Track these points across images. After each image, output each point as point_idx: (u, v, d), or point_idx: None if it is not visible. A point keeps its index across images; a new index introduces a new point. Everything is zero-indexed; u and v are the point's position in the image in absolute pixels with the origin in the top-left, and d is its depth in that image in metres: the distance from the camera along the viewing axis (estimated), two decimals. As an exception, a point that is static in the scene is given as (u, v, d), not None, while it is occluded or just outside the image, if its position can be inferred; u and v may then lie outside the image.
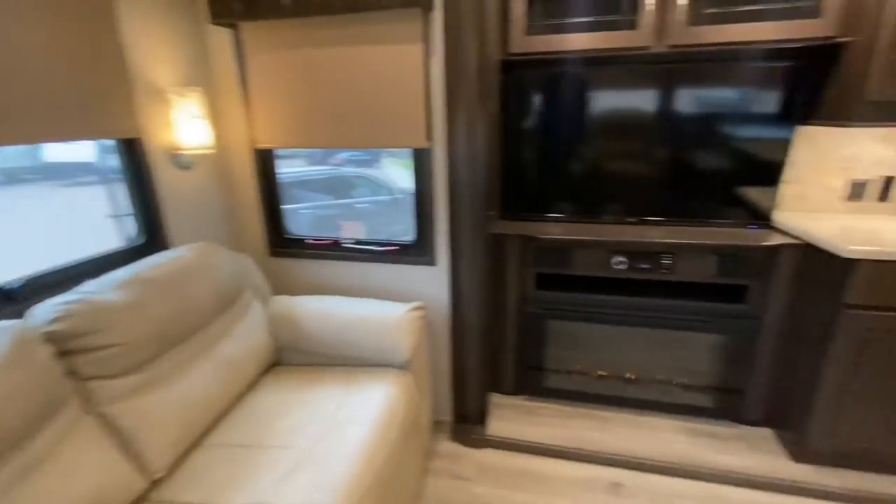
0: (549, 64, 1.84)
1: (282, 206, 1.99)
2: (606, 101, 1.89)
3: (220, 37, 1.72)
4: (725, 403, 1.90)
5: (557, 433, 1.90)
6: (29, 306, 1.13)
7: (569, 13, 1.70)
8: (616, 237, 1.80)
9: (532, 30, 1.71)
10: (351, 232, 3.82)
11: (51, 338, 1.07)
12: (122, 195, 1.57)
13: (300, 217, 3.85)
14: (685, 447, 1.81)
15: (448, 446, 1.93)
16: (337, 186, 4.14)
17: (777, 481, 1.63)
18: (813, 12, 1.55)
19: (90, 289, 1.19)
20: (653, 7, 1.58)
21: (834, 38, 1.54)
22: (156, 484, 1.17)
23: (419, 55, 1.55)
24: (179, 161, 1.64)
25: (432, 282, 1.83)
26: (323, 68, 1.65)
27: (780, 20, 1.56)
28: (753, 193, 1.87)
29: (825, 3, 1.53)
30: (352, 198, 4.10)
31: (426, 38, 1.54)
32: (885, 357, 1.47)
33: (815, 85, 1.69)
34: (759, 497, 1.61)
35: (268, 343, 1.64)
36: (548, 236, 1.84)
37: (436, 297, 1.85)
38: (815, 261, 1.60)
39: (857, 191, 1.84)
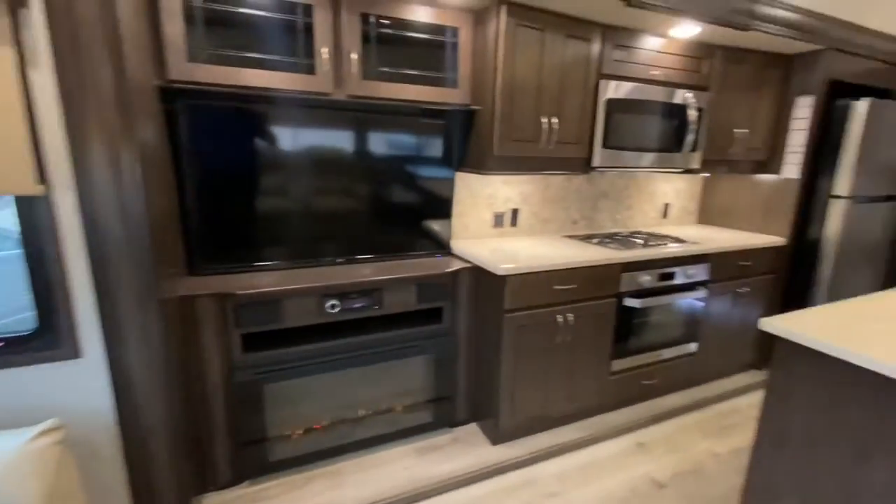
0: (234, 97, 1.63)
1: None
2: (302, 140, 1.84)
3: None
4: (441, 412, 2.12)
5: (290, 513, 1.67)
6: None
7: (242, 46, 1.55)
8: (328, 280, 1.74)
9: (196, 56, 1.47)
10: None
11: None
12: None
13: None
14: (413, 471, 1.90)
15: None
16: None
17: (483, 469, 1.91)
18: (454, 83, 1.93)
19: None
20: (327, 56, 1.61)
21: (469, 105, 1.98)
22: None
23: (9, 65, 1.06)
24: None
25: (78, 383, 1.27)
26: None
27: (434, 86, 1.88)
28: (436, 226, 2.19)
29: (461, 76, 1.95)
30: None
31: (18, 44, 1.07)
32: (533, 342, 1.96)
33: (463, 139, 2.13)
34: (471, 491, 1.84)
35: None
36: (249, 291, 1.61)
37: (87, 405, 1.29)
38: (482, 279, 1.99)
39: (498, 220, 2.42)
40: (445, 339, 2.04)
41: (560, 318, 1.98)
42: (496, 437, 2.06)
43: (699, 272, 2.34)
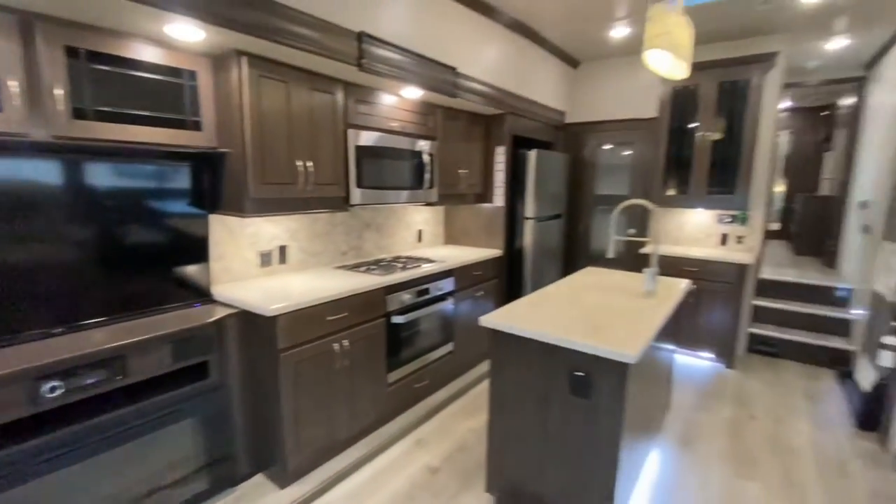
0: None
1: None
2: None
3: None
4: (219, 475, 1.95)
5: None
6: None
7: None
8: (40, 359, 1.41)
9: None
10: None
11: None
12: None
13: None
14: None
15: None
16: None
17: (276, 516, 1.87)
18: (197, 126, 1.87)
19: None
20: (17, 90, 1.35)
21: (216, 148, 1.94)
22: None
23: None
24: None
25: None
26: None
27: (173, 128, 1.78)
28: (191, 273, 2.03)
29: (205, 119, 1.89)
30: None
31: None
32: (313, 375, 2.03)
33: (216, 182, 2.05)
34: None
35: None
36: None
37: None
38: (252, 322, 1.95)
39: (265, 259, 2.40)
40: (215, 394, 1.91)
41: (336, 346, 2.12)
42: (284, 481, 2.03)
43: (447, 284, 2.87)
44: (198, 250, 2.06)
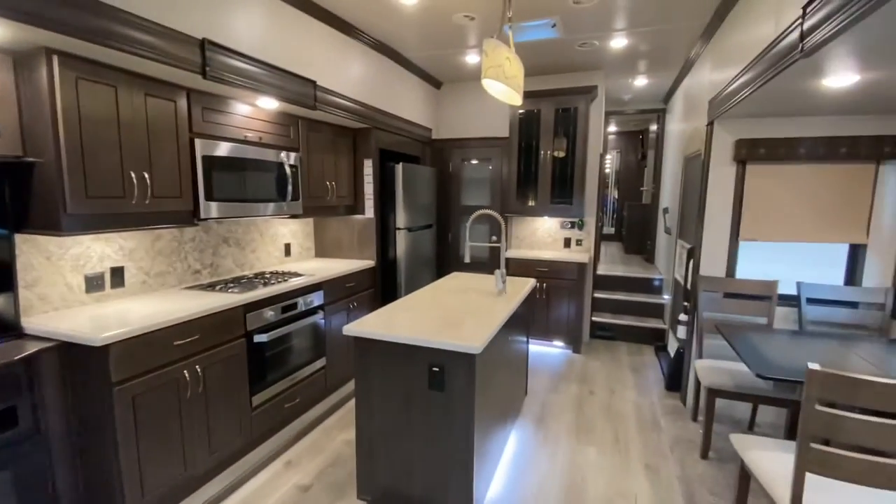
0: None
1: None
2: None
3: None
4: (35, 542, 1.65)
5: None
6: None
7: None
8: None
9: None
10: None
11: None
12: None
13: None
14: None
15: None
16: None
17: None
18: (-10, 130, 1.59)
19: None
20: None
21: (21, 157, 1.67)
22: None
23: None
24: None
25: None
26: None
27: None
28: (-13, 306, 1.70)
29: (4, 124, 1.62)
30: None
31: None
32: (158, 408, 1.84)
33: (21, 196, 1.76)
34: None
35: None
36: None
37: None
38: (77, 356, 1.71)
39: (95, 283, 2.11)
40: (27, 445, 1.62)
41: (187, 373, 1.95)
42: (127, 531, 1.80)
43: (316, 298, 2.83)
44: (3, 278, 1.73)
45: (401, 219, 3.71)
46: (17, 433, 1.60)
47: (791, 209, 2.71)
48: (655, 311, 4.55)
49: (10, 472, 1.58)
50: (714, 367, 2.55)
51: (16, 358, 1.57)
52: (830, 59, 1.61)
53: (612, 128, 7.95)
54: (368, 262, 3.46)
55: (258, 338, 2.35)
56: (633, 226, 6.91)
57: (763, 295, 2.72)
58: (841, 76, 1.81)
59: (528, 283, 2.84)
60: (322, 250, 3.71)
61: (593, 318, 4.48)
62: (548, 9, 2.84)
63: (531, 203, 4.20)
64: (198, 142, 2.20)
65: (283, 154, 2.74)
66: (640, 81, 4.60)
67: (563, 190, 4.08)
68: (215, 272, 2.76)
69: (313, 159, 3.07)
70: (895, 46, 1.46)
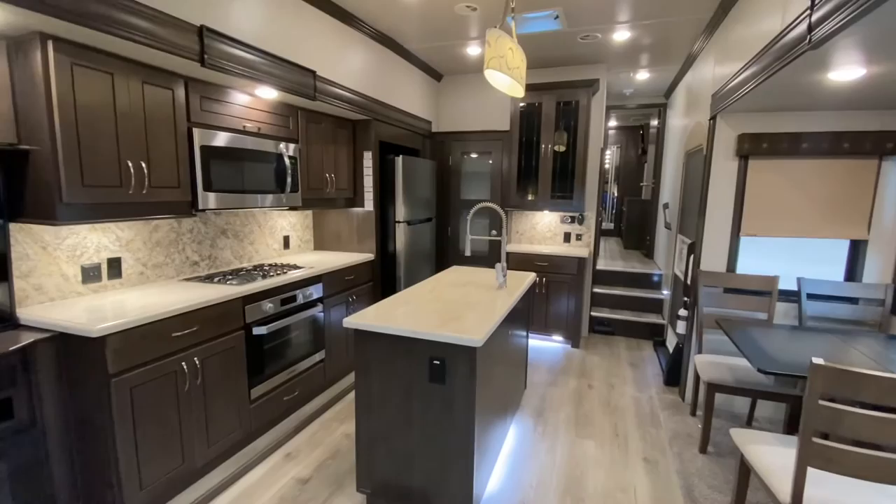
0: None
1: None
2: None
3: None
4: (32, 533, 1.64)
5: None
6: None
7: None
8: None
9: None
10: None
11: None
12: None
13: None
14: None
15: None
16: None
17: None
18: (-17, 116, 1.55)
19: None
20: None
21: (15, 144, 1.64)
22: None
23: None
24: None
25: None
26: None
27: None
28: (-18, 296, 1.67)
29: (-5, 109, 1.59)
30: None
31: None
32: (156, 399, 1.83)
33: (16, 184, 1.73)
34: None
35: None
36: None
37: None
38: (73, 347, 1.69)
39: (91, 273, 2.08)
40: (23, 436, 1.60)
41: (185, 365, 1.94)
42: (125, 522, 1.79)
43: (315, 291, 2.81)
44: (-7, 267, 1.71)
45: (400, 212, 3.68)
46: (13, 425, 1.58)
47: (793, 204, 2.70)
48: (654, 306, 4.55)
49: (6, 464, 1.56)
50: (714, 362, 2.55)
51: (11, 349, 1.55)
52: (838, 51, 1.59)
53: (613, 122, 7.92)
54: (368, 256, 3.44)
55: (257, 330, 2.33)
56: (632, 221, 6.90)
57: (763, 290, 2.72)
58: (847, 69, 1.79)
59: (529, 277, 2.83)
60: (321, 243, 3.68)
61: (592, 313, 4.48)
62: (550, 0, 2.81)
63: (531, 197, 4.18)
64: (196, 131, 2.17)
65: (282, 145, 2.71)
66: (642, 75, 4.57)
67: (563, 184, 4.06)
68: (213, 264, 2.74)
69: (312, 151, 3.04)
70: (904, 39, 1.44)
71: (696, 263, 2.94)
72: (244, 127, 2.48)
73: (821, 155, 2.61)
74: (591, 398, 3.09)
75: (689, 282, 3.16)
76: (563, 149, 4.04)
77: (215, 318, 2.09)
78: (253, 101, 2.54)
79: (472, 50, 3.78)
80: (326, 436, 2.56)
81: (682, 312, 3.20)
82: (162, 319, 1.84)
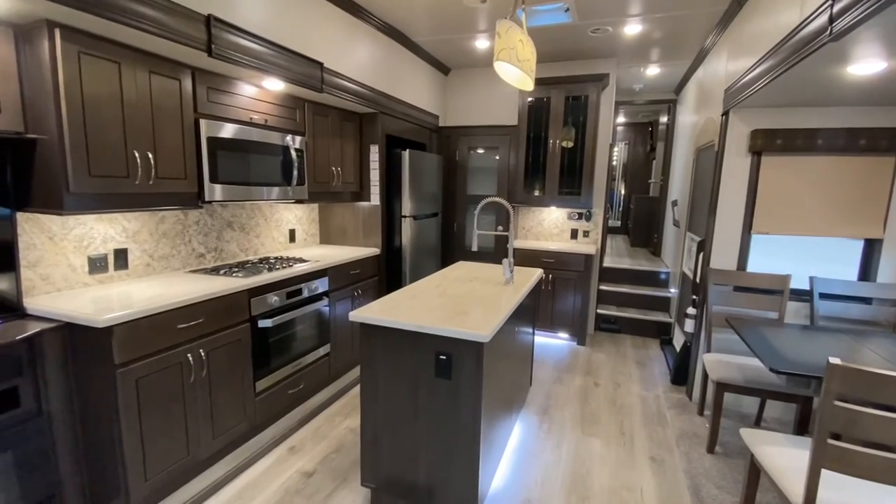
0: None
1: None
2: None
3: None
4: (38, 522, 1.65)
5: None
6: None
7: None
8: None
9: None
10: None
11: None
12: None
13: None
14: None
15: None
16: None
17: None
18: (-10, 104, 1.55)
19: None
20: None
21: (22, 133, 1.63)
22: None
23: None
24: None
25: None
26: None
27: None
28: (-11, 285, 1.67)
29: (4, 99, 1.58)
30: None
31: None
32: (161, 390, 1.82)
33: (23, 174, 1.72)
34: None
35: None
36: None
37: None
38: (79, 337, 1.69)
39: (98, 264, 2.08)
40: (29, 424, 1.61)
41: (190, 356, 1.93)
42: (130, 513, 1.79)
43: (321, 285, 2.80)
44: (3, 256, 1.70)
45: (406, 206, 3.66)
46: (19, 414, 1.58)
47: (806, 202, 2.65)
48: (661, 304, 4.51)
49: (12, 453, 1.57)
50: (723, 360, 2.52)
51: (17, 338, 1.55)
52: (859, 44, 1.54)
53: (621, 119, 7.84)
54: (374, 250, 3.42)
55: (262, 323, 2.32)
56: (639, 218, 6.84)
57: (775, 289, 2.67)
58: (868, 63, 1.74)
59: (536, 274, 2.80)
60: (327, 237, 3.67)
61: (599, 311, 4.44)
62: (562, -8, 2.76)
63: (538, 193, 4.15)
64: (203, 122, 2.15)
65: (288, 137, 2.69)
66: (653, 70, 4.50)
67: (571, 180, 4.02)
68: (219, 256, 2.73)
69: (319, 144, 3.02)
70: (930, 30, 1.40)
71: (706, 261, 2.90)
72: (251, 119, 2.47)
73: (836, 152, 2.56)
74: (597, 396, 3.06)
75: (698, 280, 3.12)
76: (571, 144, 4.00)
77: (221, 310, 2.08)
78: (260, 92, 2.52)
79: (481, 43, 3.74)
80: (331, 429, 2.55)
81: (691, 311, 3.16)
82: (168, 311, 1.83)
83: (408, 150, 3.59)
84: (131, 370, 1.71)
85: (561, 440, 2.50)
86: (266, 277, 2.35)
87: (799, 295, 2.72)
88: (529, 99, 4.06)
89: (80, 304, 1.75)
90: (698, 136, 3.75)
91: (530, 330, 2.95)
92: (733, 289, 2.78)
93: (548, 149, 4.04)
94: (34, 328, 1.62)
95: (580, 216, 4.31)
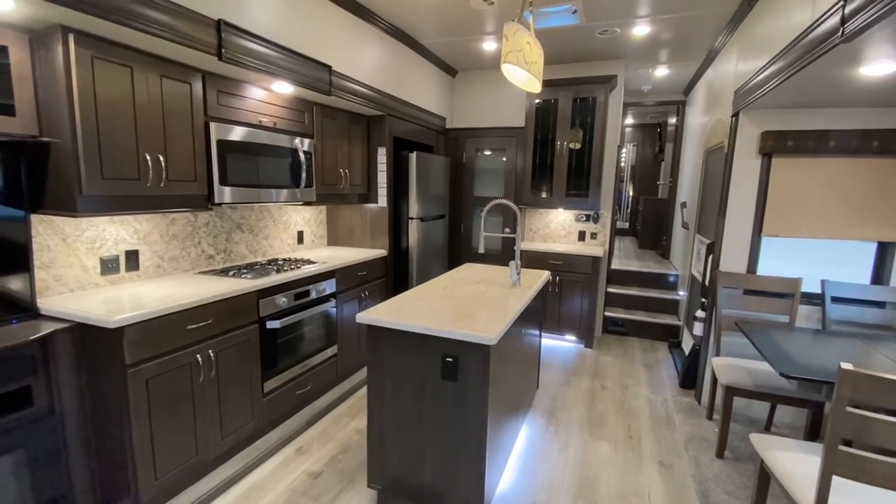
0: None
1: None
2: None
3: None
4: (50, 519, 1.67)
5: None
6: None
7: None
8: None
9: None
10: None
11: None
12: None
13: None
14: None
15: None
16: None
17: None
18: (9, 110, 1.58)
19: None
20: None
21: (37, 136, 1.66)
22: None
23: None
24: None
25: None
26: None
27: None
28: (8, 284, 1.70)
29: (20, 103, 1.61)
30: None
31: None
32: (171, 390, 1.84)
33: (38, 176, 1.75)
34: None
35: None
36: None
37: None
38: (91, 337, 1.71)
39: (110, 265, 2.11)
40: (42, 423, 1.63)
41: (200, 357, 1.95)
42: (139, 511, 1.81)
43: (329, 286, 2.82)
44: (14, 258, 1.74)
45: (414, 208, 3.67)
46: (32, 413, 1.61)
47: (818, 204, 2.62)
48: (670, 307, 4.48)
49: (26, 451, 1.59)
50: (733, 365, 2.49)
51: (31, 338, 1.58)
52: (871, 44, 1.52)
53: (630, 120, 7.80)
54: (381, 252, 3.43)
55: (271, 324, 2.34)
56: (648, 220, 6.79)
57: (786, 293, 2.64)
58: (880, 64, 1.72)
59: (543, 276, 2.79)
60: (334, 238, 3.69)
61: (606, 313, 4.42)
62: (569, -7, 2.76)
63: (545, 195, 4.14)
64: (213, 125, 2.18)
65: (297, 140, 2.71)
66: (661, 72, 4.48)
67: (578, 182, 4.01)
68: (229, 258, 2.76)
69: (327, 146, 3.04)
70: (945, 31, 1.37)
71: (715, 264, 2.87)
72: (260, 122, 2.49)
73: (848, 154, 2.52)
74: (605, 399, 3.04)
75: (707, 283, 3.09)
76: (578, 146, 3.98)
77: (230, 311, 2.10)
78: (269, 95, 2.54)
79: (488, 45, 3.75)
80: (338, 431, 2.56)
81: (700, 314, 3.14)
82: (178, 312, 1.85)
83: (415, 152, 3.59)
84: (142, 370, 1.73)
85: (568, 443, 2.49)
86: (274, 279, 2.37)
87: (810, 298, 2.69)
88: (537, 101, 4.05)
89: (93, 305, 1.77)
90: (708, 137, 3.72)
91: (537, 332, 2.94)
92: (743, 292, 2.75)
93: (555, 150, 4.03)
94: (47, 328, 1.65)
95: (588, 218, 4.29)
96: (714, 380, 2.78)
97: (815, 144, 2.53)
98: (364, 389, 3.08)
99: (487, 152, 4.59)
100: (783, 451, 1.66)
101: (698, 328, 3.14)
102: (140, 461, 1.75)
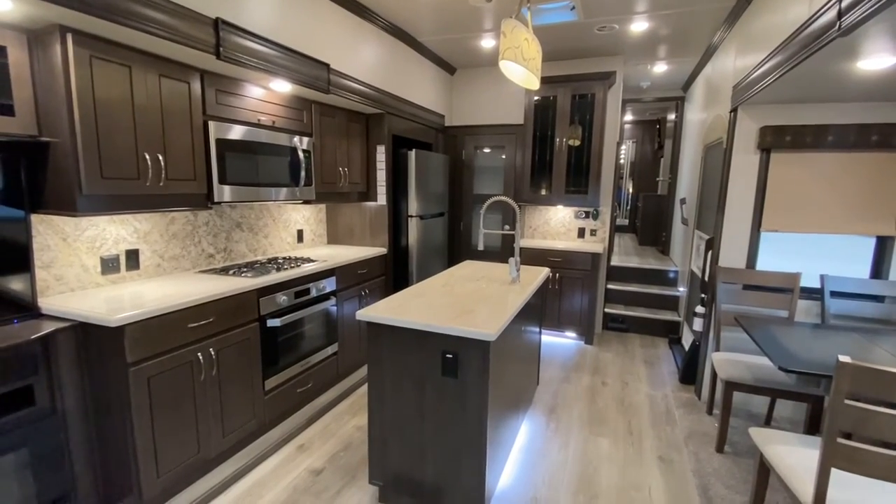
0: None
1: None
2: None
3: None
4: (54, 517, 1.68)
5: None
6: None
7: None
8: None
9: None
10: None
11: None
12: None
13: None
14: None
15: None
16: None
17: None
18: (8, 110, 1.59)
19: None
20: None
21: (37, 136, 1.66)
22: None
23: None
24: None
25: None
26: None
27: (-32, 109, 1.48)
28: (9, 284, 1.71)
29: (19, 103, 1.62)
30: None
31: None
32: (172, 389, 1.85)
33: (37, 176, 1.76)
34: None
35: None
36: None
37: None
38: (92, 336, 1.72)
39: (110, 265, 2.12)
40: (44, 422, 1.64)
41: (201, 356, 1.96)
42: (141, 509, 1.82)
43: (329, 284, 2.82)
44: (15, 258, 1.74)
45: (413, 206, 3.68)
46: (34, 412, 1.62)
47: (817, 199, 2.62)
48: (670, 303, 4.48)
49: (27, 450, 1.60)
50: (732, 360, 2.50)
51: (32, 337, 1.58)
52: (868, 38, 1.53)
53: (629, 116, 7.79)
54: (380, 250, 3.44)
55: (271, 322, 2.35)
56: (647, 217, 6.79)
57: (785, 287, 2.65)
58: (877, 58, 1.72)
59: (542, 272, 2.80)
60: (334, 237, 3.70)
61: (606, 310, 4.42)
62: (567, -10, 2.75)
63: (545, 192, 4.14)
64: (212, 124, 2.18)
65: (296, 139, 2.71)
66: (660, 68, 4.47)
67: (577, 179, 4.01)
68: (229, 256, 2.76)
69: (326, 144, 3.05)
70: (942, 24, 1.37)
71: (715, 259, 2.87)
72: (259, 120, 2.49)
73: (847, 148, 2.53)
74: (605, 395, 3.05)
75: (706, 278, 3.10)
76: (577, 143, 3.98)
77: (230, 309, 2.11)
78: (267, 94, 2.54)
79: (486, 42, 3.74)
80: (339, 428, 2.57)
81: (700, 309, 3.14)
82: (179, 310, 1.86)
83: (414, 150, 3.60)
84: (143, 369, 1.73)
85: (568, 439, 2.50)
86: (274, 277, 2.37)
87: (809, 293, 2.69)
88: (536, 98, 4.05)
89: (93, 304, 1.78)
90: (706, 133, 3.72)
91: (537, 329, 2.95)
92: (742, 287, 2.75)
93: (554, 147, 4.03)
94: (48, 327, 1.66)
95: (587, 215, 4.29)
96: (714, 375, 2.78)
97: (814, 139, 2.53)
98: (365, 387, 3.08)
99: (486, 150, 4.59)
100: (782, 445, 1.67)
101: (698, 324, 3.14)
102: (142, 459, 1.76)
